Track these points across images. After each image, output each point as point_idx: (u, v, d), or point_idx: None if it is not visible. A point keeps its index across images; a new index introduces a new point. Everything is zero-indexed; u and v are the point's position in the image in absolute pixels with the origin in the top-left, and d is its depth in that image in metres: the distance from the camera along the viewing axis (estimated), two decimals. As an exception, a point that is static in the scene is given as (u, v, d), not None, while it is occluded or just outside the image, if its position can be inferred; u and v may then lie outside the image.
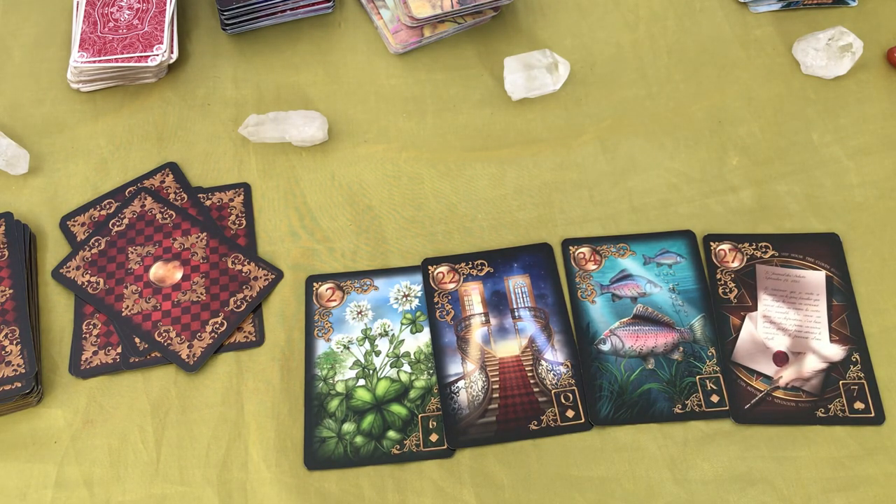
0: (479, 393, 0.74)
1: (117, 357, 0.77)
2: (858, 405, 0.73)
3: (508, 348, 0.77)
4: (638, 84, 0.91)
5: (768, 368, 0.75)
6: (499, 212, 0.84)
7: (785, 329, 0.76)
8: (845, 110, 0.89)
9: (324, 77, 0.93)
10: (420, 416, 0.74)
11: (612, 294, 0.79)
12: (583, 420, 0.73)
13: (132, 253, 0.81)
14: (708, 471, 0.71)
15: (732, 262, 0.80)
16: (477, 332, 0.77)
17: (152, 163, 0.87)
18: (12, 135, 0.89)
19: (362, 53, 0.94)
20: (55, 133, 0.89)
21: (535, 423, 0.73)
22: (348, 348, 0.77)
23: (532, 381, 0.75)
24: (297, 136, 0.86)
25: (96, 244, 0.82)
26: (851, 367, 0.75)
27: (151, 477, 0.72)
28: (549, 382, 0.75)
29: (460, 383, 0.75)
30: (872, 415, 0.73)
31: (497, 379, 0.75)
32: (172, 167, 0.87)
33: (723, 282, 0.79)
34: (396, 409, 0.74)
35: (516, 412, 0.73)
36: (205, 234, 0.83)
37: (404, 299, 0.80)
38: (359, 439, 0.73)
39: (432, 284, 0.80)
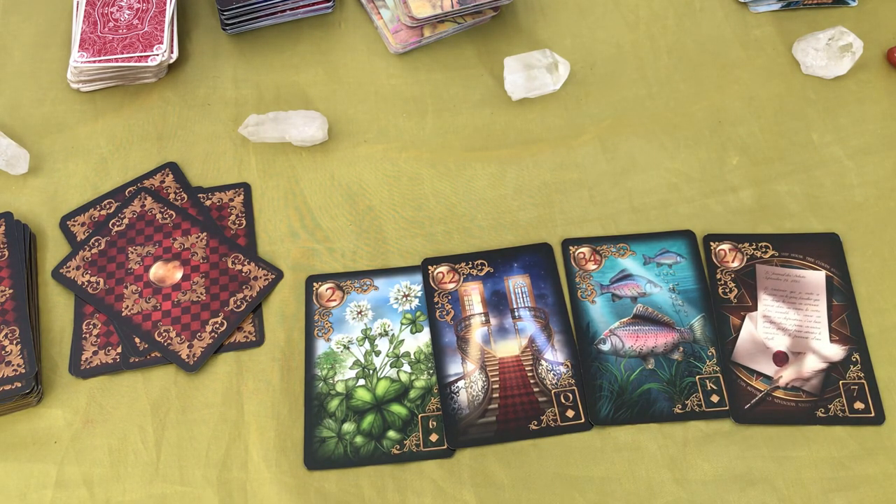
0: (479, 393, 0.74)
1: (117, 357, 0.77)
2: (858, 405, 0.73)
3: (508, 348, 0.77)
4: (638, 84, 0.92)
5: (768, 368, 0.75)
6: (499, 212, 0.84)
7: (785, 329, 0.76)
8: (845, 110, 0.89)
9: (324, 77, 0.93)
10: (420, 416, 0.74)
11: (612, 294, 0.79)
12: (583, 420, 0.73)
13: (132, 253, 0.81)
14: (708, 471, 0.71)
15: (732, 262, 0.80)
16: (477, 332, 0.77)
17: (152, 163, 0.87)
18: (12, 135, 0.89)
19: (362, 53, 0.94)
20: (55, 133, 0.89)
21: (535, 423, 0.73)
22: (348, 348, 0.77)
23: (532, 381, 0.75)
24: (297, 136, 0.86)
25: (96, 244, 0.82)
26: (851, 367, 0.75)
27: (151, 477, 0.72)
28: (549, 382, 0.75)
29: (460, 383, 0.75)
30: (872, 415, 0.73)
31: (497, 379, 0.75)
32: (172, 167, 0.87)
33: (723, 282, 0.79)
34: (396, 409, 0.74)
35: (516, 412, 0.73)
36: (205, 234, 0.83)
37: (404, 299, 0.80)
38: (359, 439, 0.73)
39: (432, 284, 0.80)
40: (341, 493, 0.71)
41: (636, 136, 0.88)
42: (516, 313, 0.78)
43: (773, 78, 0.91)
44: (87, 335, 0.78)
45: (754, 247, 0.81)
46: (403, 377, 0.76)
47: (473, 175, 0.86)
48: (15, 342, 0.75)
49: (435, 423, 0.73)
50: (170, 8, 0.92)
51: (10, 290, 0.78)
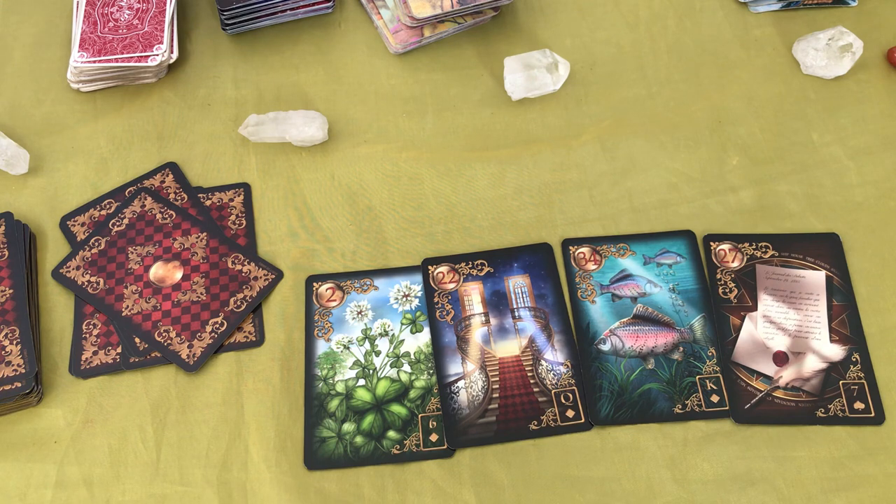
0: (479, 393, 0.74)
1: (117, 357, 0.77)
2: (858, 405, 0.73)
3: (508, 348, 0.77)
4: (638, 84, 0.91)
5: (768, 368, 0.75)
6: (499, 212, 0.84)
7: (785, 329, 0.76)
8: (845, 110, 0.89)
9: (324, 77, 0.93)
10: (420, 416, 0.74)
11: (612, 294, 0.79)
12: (583, 420, 0.73)
13: (132, 253, 0.81)
14: (708, 471, 0.71)
15: (732, 262, 0.80)
16: (477, 332, 0.77)
17: (152, 163, 0.87)
18: (12, 135, 0.89)
19: (362, 53, 0.94)
20: (55, 133, 0.89)
21: (535, 423, 0.73)
22: (348, 348, 0.77)
23: (532, 381, 0.75)
24: (297, 136, 0.86)
25: (96, 244, 0.82)
26: (851, 367, 0.75)
27: (151, 477, 0.72)
28: (549, 382, 0.75)
29: (460, 383, 0.75)
30: (872, 415, 0.73)
31: (497, 379, 0.75)
32: (172, 167, 0.87)
33: (723, 282, 0.79)
34: (396, 409, 0.74)
35: (516, 412, 0.73)
36: (205, 234, 0.83)
37: (404, 299, 0.80)
38: (359, 439, 0.73)
39: (432, 284, 0.80)
40: (341, 493, 0.71)
41: (636, 136, 0.88)
42: (516, 313, 0.78)
43: (773, 78, 0.91)
44: (87, 335, 0.78)
45: (754, 247, 0.81)
46: (403, 377, 0.76)
47: (473, 175, 0.86)
48: (15, 342, 0.75)
49: (435, 423, 0.73)
50: (170, 8, 0.92)
51: (10, 290, 0.78)
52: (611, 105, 0.90)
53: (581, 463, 0.72)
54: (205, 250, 0.82)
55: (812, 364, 0.75)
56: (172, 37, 0.91)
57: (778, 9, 0.96)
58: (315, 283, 0.80)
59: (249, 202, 0.85)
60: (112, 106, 0.91)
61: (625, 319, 0.77)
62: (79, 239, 0.83)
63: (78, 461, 0.73)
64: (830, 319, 0.77)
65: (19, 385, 0.73)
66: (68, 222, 0.84)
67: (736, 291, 0.78)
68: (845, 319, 0.77)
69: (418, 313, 0.79)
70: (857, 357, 0.75)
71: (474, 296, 0.79)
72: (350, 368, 0.76)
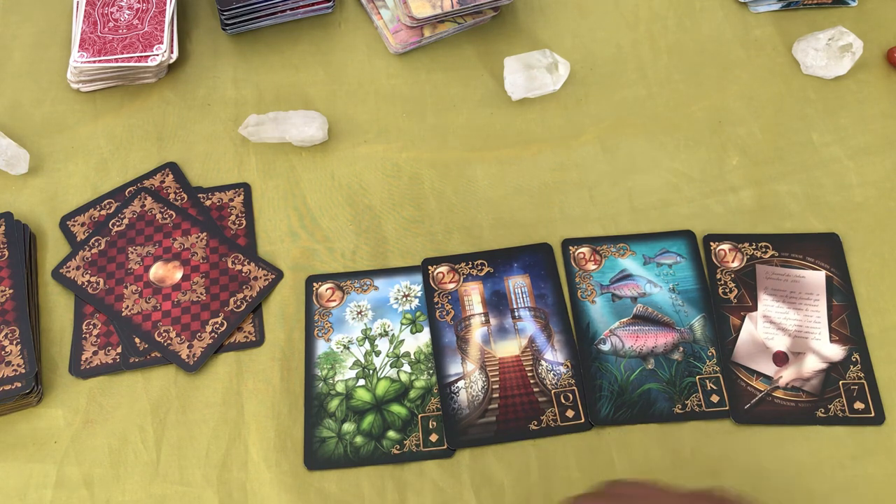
0: (479, 393, 0.74)
1: (117, 357, 0.77)
2: (858, 405, 0.73)
3: (508, 348, 0.77)
4: (638, 84, 0.92)
5: (768, 368, 0.75)
6: (499, 212, 0.84)
7: (785, 329, 0.76)
8: (845, 110, 0.89)
9: (324, 77, 0.93)
10: (420, 416, 0.74)
11: (612, 294, 0.79)
12: (583, 420, 0.73)
13: (132, 253, 0.81)
14: (708, 471, 0.71)
15: (732, 262, 0.80)
16: (477, 332, 0.77)
17: (152, 163, 0.87)
18: (12, 135, 0.89)
19: (362, 53, 0.94)
20: (55, 133, 0.89)
21: (535, 423, 0.73)
22: (348, 348, 0.77)
23: (532, 381, 0.75)
24: (297, 136, 0.86)
25: (96, 244, 0.82)
26: (851, 367, 0.75)
27: (151, 477, 0.72)
28: (549, 382, 0.75)
29: (460, 383, 0.75)
30: (872, 415, 0.73)
31: (497, 379, 0.75)
32: (172, 167, 0.87)
33: (723, 282, 0.79)
34: (396, 409, 0.74)
35: (516, 412, 0.73)
36: (205, 234, 0.83)
37: (404, 299, 0.80)
38: (359, 439, 0.73)
39: (432, 284, 0.80)
40: (341, 493, 0.71)
41: (636, 136, 0.88)
42: (516, 313, 0.78)
43: (773, 78, 0.91)
44: (87, 335, 0.78)
45: (754, 247, 0.81)
46: (403, 377, 0.76)
47: (473, 175, 0.86)
48: (15, 342, 0.75)
49: (435, 423, 0.73)
50: (170, 8, 0.92)
51: (10, 290, 0.78)
52: (611, 105, 0.90)
53: (581, 463, 0.72)
54: (205, 250, 0.82)
55: (812, 364, 0.75)
56: (172, 37, 0.91)
57: (778, 9, 0.96)
58: (315, 283, 0.80)
59: (249, 202, 0.85)
60: (112, 106, 0.91)
61: (625, 319, 0.77)
62: (79, 239, 0.83)
63: (78, 461, 0.73)
64: (830, 319, 0.77)
65: (19, 385, 0.73)
66: (68, 222, 0.84)
67: (736, 291, 0.78)
68: (845, 319, 0.77)
69: (418, 313, 0.79)
70: (857, 357, 0.75)
71: (474, 296, 0.79)
72: (350, 368, 0.76)
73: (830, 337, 0.76)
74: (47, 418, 0.74)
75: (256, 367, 0.77)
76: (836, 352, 0.75)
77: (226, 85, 0.92)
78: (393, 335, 0.78)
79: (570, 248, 0.81)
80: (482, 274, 0.80)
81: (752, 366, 0.75)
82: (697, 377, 0.74)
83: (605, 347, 0.76)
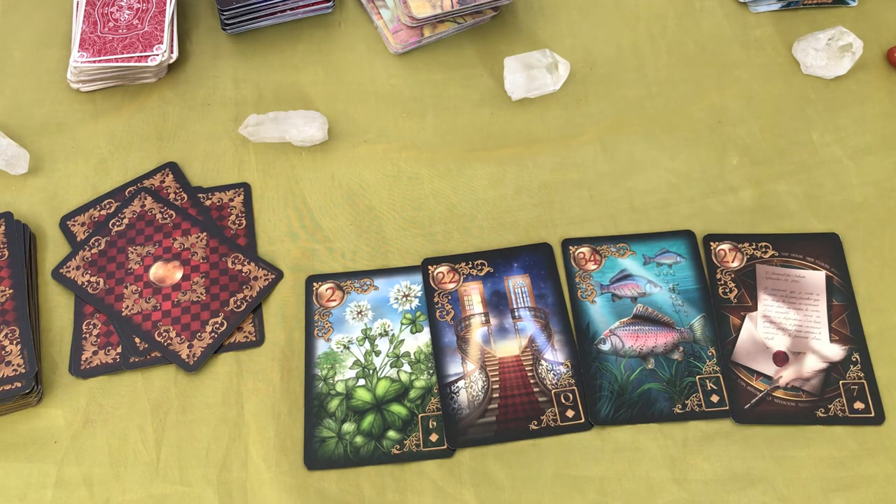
0: (479, 393, 0.74)
1: (117, 357, 0.77)
2: (858, 405, 0.73)
3: (508, 348, 0.77)
4: (638, 84, 0.92)
5: (768, 368, 0.75)
6: (499, 212, 0.84)
7: (785, 329, 0.76)
8: (845, 110, 0.89)
9: (324, 77, 0.93)
10: (420, 416, 0.74)
11: (612, 294, 0.79)
12: (583, 420, 0.73)
13: (132, 253, 0.81)
14: (708, 471, 0.71)
15: (732, 262, 0.80)
16: (477, 331, 0.77)
17: (152, 163, 0.87)
18: (12, 135, 0.89)
19: (362, 53, 0.94)
20: (55, 133, 0.89)
21: (535, 423, 0.73)
22: (348, 348, 0.77)
23: (532, 381, 0.75)
24: (297, 136, 0.86)
25: (96, 244, 0.82)
26: (851, 367, 0.75)
27: (151, 477, 0.72)
28: (549, 382, 0.75)
29: (460, 383, 0.75)
30: (872, 415, 0.73)
31: (497, 379, 0.75)
32: (172, 167, 0.87)
33: (723, 282, 0.79)
34: (396, 409, 0.74)
35: (516, 412, 0.73)
36: (205, 234, 0.83)
37: (404, 299, 0.80)
38: (359, 439, 0.73)
39: (432, 284, 0.80)
40: (341, 493, 0.71)
41: (636, 136, 0.88)
42: (516, 313, 0.78)
43: (773, 78, 0.91)
44: (87, 335, 0.78)
45: (754, 247, 0.81)
46: (403, 377, 0.76)
47: (473, 175, 0.86)
48: (15, 342, 0.75)
49: (435, 423, 0.73)
50: (170, 8, 0.92)
51: (10, 290, 0.78)
52: (611, 105, 0.90)
53: (581, 463, 0.72)
54: (205, 250, 0.82)
55: (812, 364, 0.75)
56: (172, 37, 0.91)
57: (778, 9, 0.96)
58: (315, 283, 0.80)
59: (249, 202, 0.85)
60: (112, 106, 0.91)
61: (625, 319, 0.77)
62: (79, 239, 0.83)
63: (78, 461, 0.73)
64: (830, 319, 0.77)
65: (19, 385, 0.73)
66: (68, 222, 0.84)
67: (736, 291, 0.78)
68: (845, 319, 0.77)
69: (418, 313, 0.79)
70: (857, 357, 0.75)
71: (474, 296, 0.79)
72: (350, 368, 0.76)
73: (830, 337, 0.76)
74: (47, 418, 0.74)
75: (256, 367, 0.77)
76: (836, 352, 0.75)
77: (226, 85, 0.92)
78: (393, 335, 0.78)
79: (570, 247, 0.81)
80: (482, 274, 0.80)
81: (752, 366, 0.75)
82: (697, 377, 0.74)
83: (605, 347, 0.76)
